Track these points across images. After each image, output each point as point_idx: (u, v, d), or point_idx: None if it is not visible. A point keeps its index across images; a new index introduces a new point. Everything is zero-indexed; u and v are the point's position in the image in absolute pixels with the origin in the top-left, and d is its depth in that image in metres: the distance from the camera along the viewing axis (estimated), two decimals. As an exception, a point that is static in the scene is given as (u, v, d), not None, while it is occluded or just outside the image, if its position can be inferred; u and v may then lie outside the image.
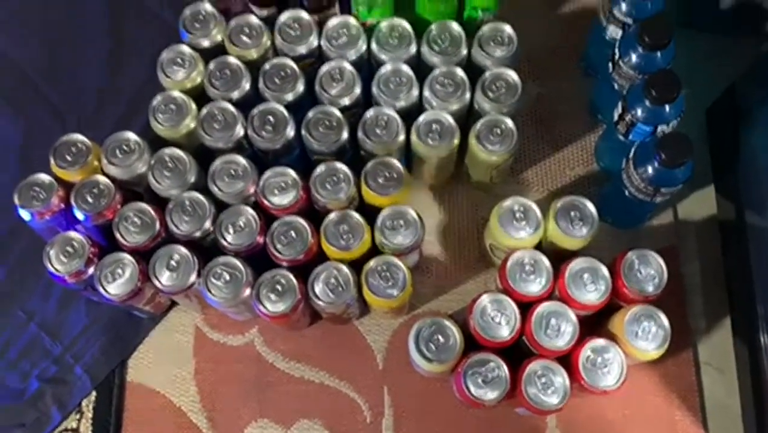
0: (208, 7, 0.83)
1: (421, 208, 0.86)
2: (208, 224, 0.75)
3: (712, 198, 0.86)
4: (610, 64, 0.79)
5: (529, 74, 0.93)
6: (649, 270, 0.72)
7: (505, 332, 0.70)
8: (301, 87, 0.80)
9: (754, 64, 0.86)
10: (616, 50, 0.77)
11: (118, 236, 0.74)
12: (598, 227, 0.74)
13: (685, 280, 0.83)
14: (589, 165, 0.89)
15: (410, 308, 0.83)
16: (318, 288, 0.72)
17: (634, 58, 0.75)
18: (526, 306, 0.72)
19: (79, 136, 0.78)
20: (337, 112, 0.79)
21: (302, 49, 0.82)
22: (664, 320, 0.70)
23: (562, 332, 0.70)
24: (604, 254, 0.82)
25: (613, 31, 0.80)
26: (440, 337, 0.70)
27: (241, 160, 0.77)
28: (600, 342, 0.70)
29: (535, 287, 0.72)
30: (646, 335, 0.70)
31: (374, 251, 0.76)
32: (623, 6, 0.77)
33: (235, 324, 0.83)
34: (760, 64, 0.85)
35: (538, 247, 0.76)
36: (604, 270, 0.72)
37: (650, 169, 0.70)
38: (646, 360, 0.71)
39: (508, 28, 0.80)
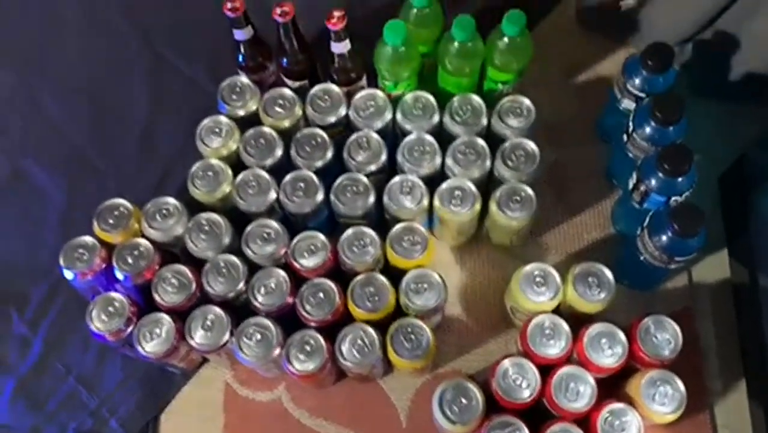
0: (245, 79, 0.89)
1: (444, 269, 0.90)
2: (241, 285, 0.79)
3: (726, 262, 0.88)
4: (625, 135, 0.82)
5: (547, 141, 0.96)
6: (665, 335, 0.74)
7: (525, 394, 0.73)
8: (330, 154, 0.85)
9: (764, 132, 0.89)
10: (630, 123, 0.81)
11: (156, 296, 0.78)
12: (615, 292, 0.77)
13: (700, 342, 0.85)
14: (606, 229, 0.92)
15: (433, 367, 0.86)
16: (345, 349, 0.75)
17: (647, 131, 0.79)
18: (545, 368, 0.75)
19: (122, 201, 0.83)
20: (364, 179, 0.83)
21: (332, 119, 0.87)
22: (680, 385, 0.72)
23: (581, 395, 0.72)
24: (621, 315, 0.84)
25: (628, 104, 0.84)
26: (463, 399, 0.73)
27: (274, 224, 0.81)
28: (618, 405, 0.72)
29: (554, 350, 0.75)
30: (663, 399, 0.72)
31: (399, 312, 0.79)
32: (636, 81, 0.81)
33: (264, 381, 0.86)
34: (769, 132, 0.88)
35: (558, 310, 0.79)
36: (621, 335, 0.74)
37: (664, 239, 0.73)
38: (663, 423, 0.73)
39: (526, 101, 0.84)
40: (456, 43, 0.81)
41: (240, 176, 0.83)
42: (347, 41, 0.83)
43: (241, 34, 0.84)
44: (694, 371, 0.83)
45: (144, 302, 0.81)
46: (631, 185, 0.80)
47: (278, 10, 0.81)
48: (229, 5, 0.81)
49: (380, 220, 0.86)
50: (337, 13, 0.79)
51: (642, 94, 0.82)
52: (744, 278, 0.86)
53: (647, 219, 0.76)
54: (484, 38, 0.84)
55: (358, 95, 0.87)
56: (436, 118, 0.86)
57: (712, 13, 0.88)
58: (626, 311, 0.85)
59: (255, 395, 0.86)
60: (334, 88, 0.88)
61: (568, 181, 0.95)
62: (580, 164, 0.95)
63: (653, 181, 0.76)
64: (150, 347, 0.77)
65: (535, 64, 0.95)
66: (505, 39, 0.81)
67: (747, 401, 0.83)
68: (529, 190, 0.81)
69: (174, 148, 0.99)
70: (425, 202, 0.82)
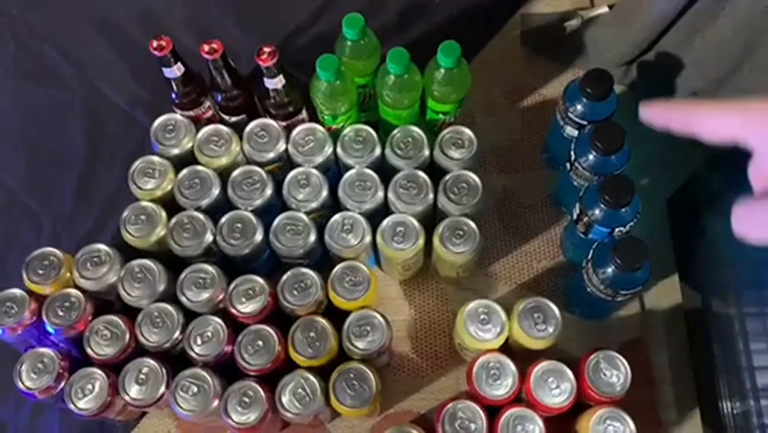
0: (178, 116, 0.86)
1: (392, 305, 0.88)
2: (177, 334, 0.76)
3: (677, 287, 0.87)
4: (568, 164, 0.81)
5: (494, 167, 0.95)
6: (614, 371, 0.73)
7: (472, 439, 0.71)
8: (269, 192, 0.82)
9: (713, 154, 0.88)
10: (572, 151, 0.79)
11: (88, 349, 0.75)
12: (561, 328, 0.75)
13: (653, 371, 0.83)
14: (556, 257, 0.90)
15: (382, 408, 0.83)
16: (285, 399, 0.72)
17: (589, 159, 0.77)
18: (493, 409, 0.72)
19: (52, 249, 0.80)
20: (305, 217, 0.80)
21: (271, 155, 0.84)
22: (630, 422, 0.70)
23: (530, 437, 0.70)
24: (572, 345, 0.83)
25: (570, 131, 0.82)
26: (407, 446, 0.71)
27: (210, 268, 0.78)
28: (567, 446, 0.70)
29: (501, 390, 0.73)
30: (613, 438, 0.70)
31: (342, 355, 0.77)
32: (577, 108, 0.80)
33: (209, 430, 0.83)
34: (718, 154, 0.87)
35: (506, 346, 0.77)
36: (569, 373, 0.72)
37: (608, 272, 0.72)
38: (615, 462, 0.71)
39: (467, 132, 0.83)
40: (392, 77, 0.79)
41: (174, 219, 0.80)
42: (281, 76, 0.80)
43: (170, 72, 0.81)
44: (647, 401, 0.82)
45: (79, 354, 0.78)
46: (575, 215, 0.78)
47: (206, 48, 0.78)
48: (155, 44, 0.78)
49: (324, 258, 0.84)
50: (267, 49, 0.77)
51: (583, 122, 0.80)
52: (696, 303, 0.85)
53: (591, 252, 0.75)
54: (423, 68, 0.82)
55: (297, 130, 0.84)
56: (377, 152, 0.84)
57: (653, 36, 0.87)
58: (578, 341, 0.84)
59: (199, 445, 0.83)
60: (272, 123, 0.85)
61: (517, 208, 0.93)
62: (529, 191, 0.94)
63: (596, 213, 0.74)
64: (83, 403, 0.73)
65: (480, 88, 0.94)
66: (442, 71, 0.79)
67: (702, 429, 0.81)
68: (472, 224, 0.79)
69: (112, 189, 0.96)
70: (368, 239, 0.80)
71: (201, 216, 0.80)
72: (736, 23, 0.76)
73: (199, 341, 0.75)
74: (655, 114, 0.39)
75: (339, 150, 0.84)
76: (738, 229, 0.37)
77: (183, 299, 0.77)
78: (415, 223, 0.79)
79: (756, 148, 0.37)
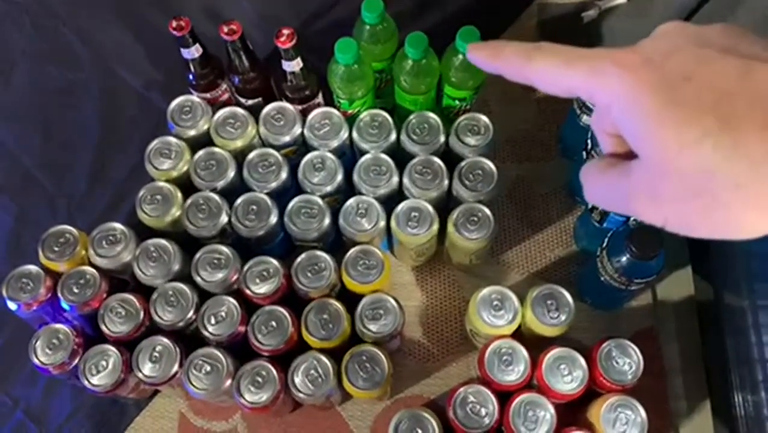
0: (195, 98, 0.86)
1: (404, 290, 0.89)
2: (191, 314, 0.76)
3: (690, 279, 0.87)
4: (584, 152, 0.81)
5: (509, 156, 0.95)
6: (626, 359, 0.73)
7: (483, 423, 0.71)
8: (284, 175, 0.83)
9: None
10: (589, 139, 0.79)
11: (102, 326, 0.76)
12: (575, 315, 0.75)
13: (664, 362, 0.83)
14: (569, 246, 0.90)
15: (393, 393, 0.84)
16: (298, 380, 0.73)
17: (605, 148, 0.77)
18: (504, 395, 0.73)
19: (67, 227, 0.80)
20: (319, 200, 0.81)
21: (286, 139, 0.84)
22: (641, 410, 0.71)
23: (540, 422, 0.70)
24: (584, 334, 0.83)
25: (587, 120, 0.82)
26: (419, 429, 0.71)
27: (224, 249, 0.78)
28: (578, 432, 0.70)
29: (512, 376, 0.73)
30: (623, 425, 0.70)
31: (355, 338, 0.77)
32: (595, 97, 0.80)
33: (219, 410, 0.84)
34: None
35: (518, 332, 0.78)
36: (581, 360, 0.72)
37: (623, 261, 0.72)
38: (625, 449, 0.71)
39: (483, 118, 0.82)
40: (410, 61, 0.79)
41: (189, 199, 0.81)
42: (299, 59, 0.80)
43: (188, 53, 0.82)
44: (658, 392, 0.82)
45: (93, 332, 0.79)
46: (590, 204, 0.78)
47: (225, 29, 0.78)
48: (174, 24, 0.78)
49: (338, 240, 0.84)
50: (286, 31, 0.77)
51: (601, 110, 0.80)
52: (708, 295, 0.85)
53: (605, 241, 0.75)
54: (440, 54, 0.82)
55: (313, 114, 0.84)
56: (393, 137, 0.84)
57: (672, 26, 0.87)
58: (590, 330, 0.84)
59: (210, 424, 0.84)
60: (288, 106, 0.85)
61: (531, 198, 0.93)
62: (543, 180, 0.94)
63: (612, 201, 0.74)
64: (96, 380, 0.74)
65: (496, 77, 0.93)
66: (460, 56, 0.78)
67: (712, 420, 0.81)
68: (487, 211, 0.79)
69: (126, 170, 0.96)
70: (382, 223, 0.80)
71: (216, 197, 0.81)
72: (756, 15, 0.75)
73: (212, 321, 0.75)
74: (484, 56, 0.35)
75: (354, 135, 0.84)
76: (587, 194, 0.36)
77: (197, 278, 0.77)
78: (430, 208, 0.79)
79: (596, 102, 0.33)
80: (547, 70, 0.34)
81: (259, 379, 0.72)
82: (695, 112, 0.29)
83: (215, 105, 0.88)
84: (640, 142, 0.31)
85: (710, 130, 0.28)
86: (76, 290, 0.77)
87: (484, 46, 0.35)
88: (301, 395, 0.72)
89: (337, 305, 0.76)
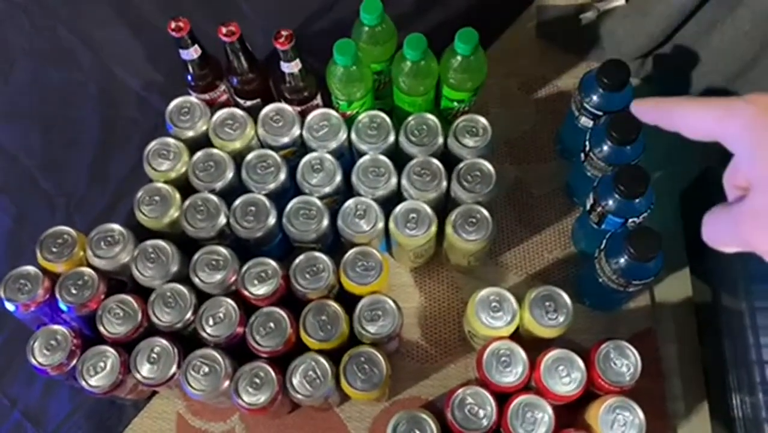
0: (194, 99, 0.86)
1: (402, 292, 0.89)
2: (189, 315, 0.76)
3: (688, 281, 0.87)
4: (582, 154, 0.81)
5: (507, 158, 0.95)
6: (624, 360, 0.73)
7: (481, 425, 0.71)
8: (283, 176, 0.83)
9: (725, 148, 0.88)
10: (587, 141, 0.79)
11: (101, 327, 0.76)
12: (572, 317, 0.75)
13: (662, 363, 0.83)
14: (567, 248, 0.90)
15: (391, 394, 0.84)
16: (296, 381, 0.72)
17: (604, 150, 0.77)
18: (502, 397, 0.73)
19: (65, 228, 0.80)
20: (318, 202, 0.81)
21: (285, 140, 0.84)
22: (639, 412, 0.71)
23: (539, 424, 0.70)
24: (582, 336, 0.83)
25: (585, 122, 0.82)
26: (417, 431, 0.71)
27: (222, 250, 0.78)
28: (576, 434, 0.71)
29: (510, 377, 0.73)
30: (621, 427, 0.70)
31: (353, 339, 0.77)
32: (593, 98, 0.80)
33: (217, 411, 0.84)
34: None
35: (516, 334, 0.78)
36: (580, 362, 0.72)
37: (621, 262, 0.72)
38: (623, 451, 0.71)
39: (482, 120, 0.83)
40: (408, 63, 0.79)
41: (188, 201, 0.81)
42: (297, 60, 0.80)
43: (187, 54, 0.81)
44: (656, 393, 0.82)
45: (92, 333, 0.78)
46: (588, 206, 0.78)
47: (224, 30, 0.78)
48: (172, 25, 0.78)
49: (336, 243, 0.84)
50: (284, 32, 0.77)
51: (599, 112, 0.80)
52: (706, 297, 0.85)
53: (604, 242, 0.75)
54: (439, 55, 0.82)
55: (312, 115, 0.84)
56: (391, 139, 0.84)
57: (670, 28, 0.87)
58: (588, 332, 0.84)
59: (208, 426, 0.84)
60: (287, 108, 0.85)
61: (530, 199, 0.93)
62: (541, 181, 0.94)
63: (610, 203, 0.74)
64: (94, 381, 0.74)
65: (494, 78, 0.94)
66: (458, 58, 0.78)
67: (710, 422, 0.81)
68: (485, 212, 0.79)
69: (125, 171, 0.96)
70: (380, 225, 0.80)
71: (215, 198, 0.81)
72: (756, 16, 0.75)
73: (211, 322, 0.75)
74: (644, 110, 0.39)
75: (353, 136, 0.84)
76: (705, 237, 0.37)
77: (196, 280, 0.77)
78: (428, 210, 0.79)
79: (731, 149, 0.36)
80: (688, 116, 0.37)
81: (257, 380, 0.72)
82: None
83: (214, 106, 0.88)
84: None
85: None
86: (74, 291, 0.77)
87: (644, 103, 0.39)
88: (299, 396, 0.72)
89: (336, 306, 0.76)
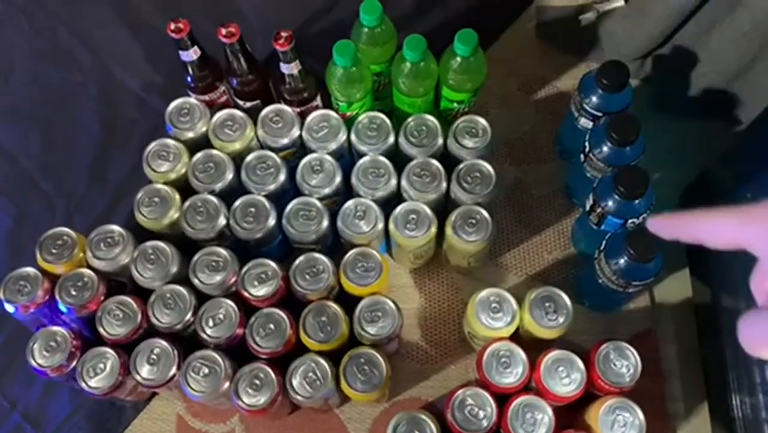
0: (193, 100, 0.86)
1: (402, 293, 0.89)
2: (188, 316, 0.76)
3: (688, 281, 0.87)
4: (582, 155, 0.81)
5: (507, 158, 0.95)
6: (624, 361, 0.73)
7: (481, 426, 0.71)
8: (282, 177, 0.83)
9: (725, 149, 0.88)
10: (587, 142, 0.79)
11: (100, 329, 0.76)
12: (572, 317, 0.75)
13: (662, 364, 0.83)
14: (567, 249, 0.90)
15: (391, 395, 0.84)
16: (296, 382, 0.72)
17: (603, 151, 0.77)
18: (502, 397, 0.73)
19: (65, 229, 0.80)
20: (317, 203, 0.81)
21: (284, 141, 0.84)
22: (639, 413, 0.71)
23: (539, 425, 0.70)
24: (582, 337, 0.83)
25: (585, 123, 0.82)
26: (417, 432, 0.71)
27: (222, 251, 0.78)
28: (576, 435, 0.71)
29: (510, 378, 0.73)
30: (621, 428, 0.70)
31: (353, 340, 0.77)
32: (592, 99, 0.80)
33: (217, 412, 0.84)
34: (731, 149, 0.87)
35: (516, 335, 0.78)
36: (579, 363, 0.72)
37: (621, 263, 0.72)
38: (623, 452, 0.71)
39: (482, 121, 0.83)
40: (408, 64, 0.79)
41: (187, 202, 0.81)
42: (297, 62, 0.80)
43: (186, 56, 0.81)
44: (656, 394, 0.82)
45: (91, 334, 0.78)
46: (588, 207, 0.78)
47: (223, 31, 0.78)
48: (172, 26, 0.78)
49: (336, 244, 0.84)
50: (284, 34, 0.77)
51: (599, 113, 0.80)
52: (706, 297, 0.85)
53: (603, 243, 0.75)
54: (439, 56, 0.82)
55: (311, 116, 0.84)
56: (391, 140, 0.84)
57: (670, 29, 0.87)
58: (588, 333, 0.84)
59: (208, 427, 0.84)
60: (287, 109, 0.85)
61: (529, 200, 0.93)
62: (541, 182, 0.94)
63: (609, 204, 0.74)
64: (94, 382, 0.74)
65: (494, 79, 0.94)
66: (458, 59, 0.78)
67: (710, 423, 0.81)
68: (485, 213, 0.79)
69: (125, 172, 0.96)
70: (380, 226, 0.80)
71: (214, 199, 0.81)
72: (755, 17, 0.75)
73: (211, 323, 0.75)
74: (662, 227, 0.40)
75: (353, 137, 0.84)
76: (743, 342, 0.37)
77: (195, 281, 0.77)
78: (428, 211, 0.79)
79: (757, 255, 0.37)
80: (709, 229, 0.38)
81: (257, 381, 0.72)
82: None
83: (213, 107, 0.88)
84: None
85: None
86: (73, 293, 0.77)
87: (661, 221, 0.40)
88: (299, 397, 0.72)
89: (336, 307, 0.76)
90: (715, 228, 0.37)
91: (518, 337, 0.78)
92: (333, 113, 0.84)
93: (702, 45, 0.86)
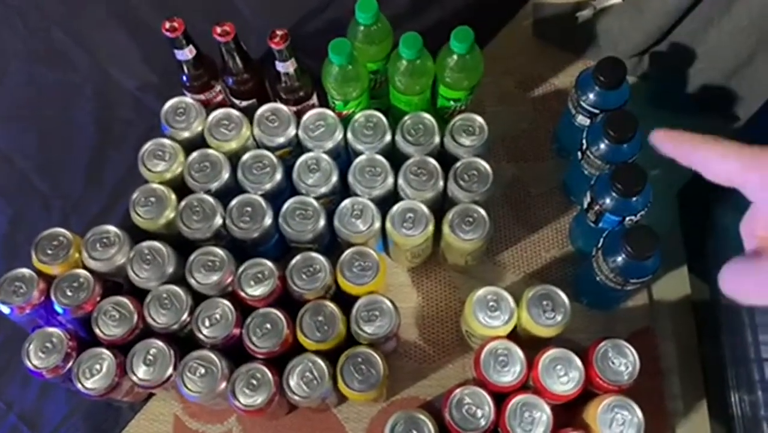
0: (189, 99, 0.86)
1: (399, 292, 0.88)
2: (185, 317, 0.76)
3: (686, 279, 0.87)
4: (579, 152, 0.81)
5: (504, 156, 0.95)
6: (622, 359, 0.73)
7: (479, 424, 0.71)
8: (279, 176, 0.82)
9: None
10: (584, 140, 0.79)
11: (96, 329, 0.75)
12: (570, 316, 0.74)
13: (661, 362, 0.83)
14: (565, 247, 0.90)
15: (389, 394, 0.83)
16: (293, 382, 0.72)
17: (600, 148, 0.77)
18: (500, 396, 0.72)
19: (61, 230, 0.80)
20: (314, 202, 0.80)
21: (281, 140, 0.84)
22: (638, 411, 0.70)
23: (537, 423, 0.70)
24: (580, 335, 0.83)
25: (582, 120, 0.82)
26: (415, 432, 0.70)
27: (219, 251, 0.78)
28: (574, 433, 0.70)
29: (508, 377, 0.73)
30: (620, 426, 0.70)
31: (350, 339, 0.77)
32: (589, 97, 0.80)
33: (214, 413, 0.83)
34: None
35: (514, 333, 0.77)
36: (578, 361, 0.72)
37: (618, 261, 0.72)
38: (621, 450, 0.71)
39: (478, 119, 0.82)
40: (404, 62, 0.79)
41: (183, 201, 0.80)
42: (293, 60, 0.80)
43: (182, 55, 0.81)
44: (654, 392, 0.82)
45: (87, 335, 0.78)
46: (585, 204, 0.78)
47: (218, 30, 0.78)
48: (167, 25, 0.78)
49: (333, 243, 0.84)
50: (279, 32, 0.77)
51: (596, 110, 0.80)
52: (705, 295, 0.85)
53: (601, 241, 0.75)
54: (435, 54, 0.82)
55: (307, 115, 0.84)
56: (387, 138, 0.83)
57: (667, 25, 0.86)
58: (586, 331, 0.84)
59: (205, 427, 0.83)
60: (283, 108, 0.85)
61: (527, 198, 0.93)
62: (538, 180, 0.93)
63: (607, 201, 0.74)
64: (90, 383, 0.73)
65: (491, 77, 0.94)
66: (455, 56, 0.78)
67: (708, 420, 0.81)
68: (482, 211, 0.78)
69: (121, 173, 0.96)
70: (377, 225, 0.80)
71: (211, 199, 0.80)
72: (753, 12, 0.75)
73: (207, 324, 0.75)
74: (663, 140, 0.39)
75: (349, 136, 0.83)
76: (725, 289, 0.36)
77: (192, 281, 0.77)
78: (425, 209, 0.79)
79: (753, 199, 0.36)
80: (710, 158, 0.36)
81: (254, 381, 0.72)
82: None
83: (209, 106, 0.88)
84: None
85: None
86: (69, 293, 0.77)
87: (664, 134, 0.39)
88: (296, 397, 0.72)
89: (333, 306, 0.76)
90: (715, 161, 0.36)
91: (516, 335, 0.78)
92: (329, 112, 0.84)
93: (699, 41, 0.86)
